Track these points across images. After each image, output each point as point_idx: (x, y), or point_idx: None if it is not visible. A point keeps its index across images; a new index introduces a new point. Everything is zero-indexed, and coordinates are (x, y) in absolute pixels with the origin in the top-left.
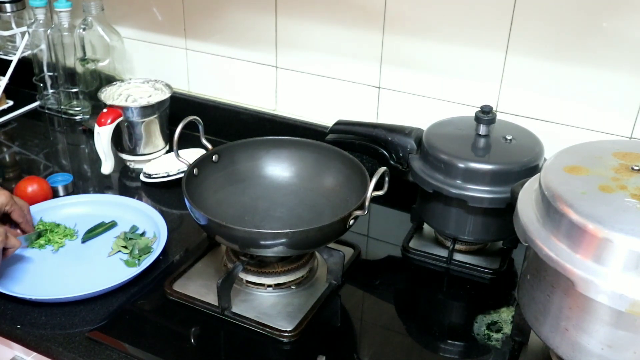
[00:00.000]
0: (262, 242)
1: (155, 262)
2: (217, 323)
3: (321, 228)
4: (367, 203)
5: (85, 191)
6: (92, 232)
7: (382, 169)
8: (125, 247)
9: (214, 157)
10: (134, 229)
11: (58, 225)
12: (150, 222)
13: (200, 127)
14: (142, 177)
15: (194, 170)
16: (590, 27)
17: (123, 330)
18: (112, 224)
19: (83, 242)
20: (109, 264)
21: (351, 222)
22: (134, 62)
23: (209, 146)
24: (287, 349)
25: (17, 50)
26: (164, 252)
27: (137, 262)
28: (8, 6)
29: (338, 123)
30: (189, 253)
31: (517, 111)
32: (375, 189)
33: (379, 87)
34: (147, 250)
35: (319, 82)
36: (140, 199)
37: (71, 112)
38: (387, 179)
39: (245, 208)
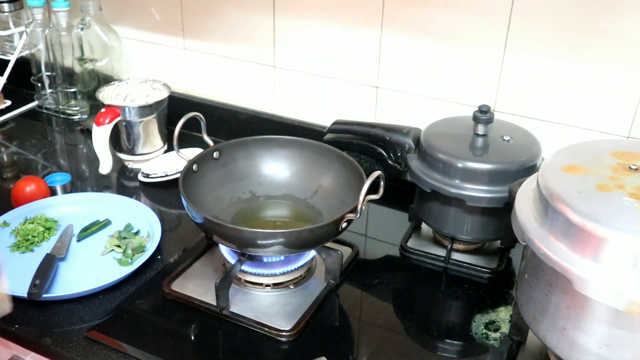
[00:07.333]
0: (258, 242)
1: (153, 262)
2: (215, 322)
3: (313, 230)
4: (359, 207)
5: (83, 191)
6: (87, 231)
7: (376, 173)
8: (119, 246)
9: (214, 153)
10: (128, 227)
11: (55, 220)
12: (145, 221)
13: (202, 124)
14: (140, 177)
15: (194, 166)
16: (587, 26)
17: (121, 330)
18: (106, 223)
19: (78, 240)
20: (102, 263)
21: (344, 225)
22: (132, 62)
23: (211, 143)
24: (285, 349)
25: (15, 50)
26: (162, 251)
27: (130, 261)
28: (6, 6)
29: (336, 123)
30: (187, 252)
31: (515, 111)
32: (371, 192)
33: (377, 87)
34: (140, 249)
35: (317, 81)
36: (138, 198)
37: (69, 111)
38: (382, 183)
39: (242, 206)
